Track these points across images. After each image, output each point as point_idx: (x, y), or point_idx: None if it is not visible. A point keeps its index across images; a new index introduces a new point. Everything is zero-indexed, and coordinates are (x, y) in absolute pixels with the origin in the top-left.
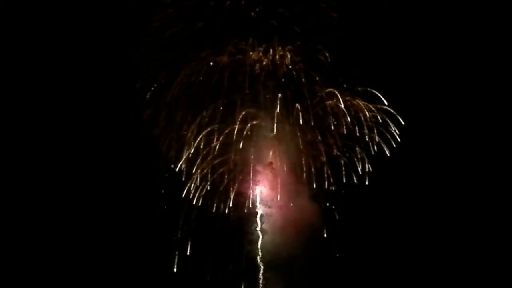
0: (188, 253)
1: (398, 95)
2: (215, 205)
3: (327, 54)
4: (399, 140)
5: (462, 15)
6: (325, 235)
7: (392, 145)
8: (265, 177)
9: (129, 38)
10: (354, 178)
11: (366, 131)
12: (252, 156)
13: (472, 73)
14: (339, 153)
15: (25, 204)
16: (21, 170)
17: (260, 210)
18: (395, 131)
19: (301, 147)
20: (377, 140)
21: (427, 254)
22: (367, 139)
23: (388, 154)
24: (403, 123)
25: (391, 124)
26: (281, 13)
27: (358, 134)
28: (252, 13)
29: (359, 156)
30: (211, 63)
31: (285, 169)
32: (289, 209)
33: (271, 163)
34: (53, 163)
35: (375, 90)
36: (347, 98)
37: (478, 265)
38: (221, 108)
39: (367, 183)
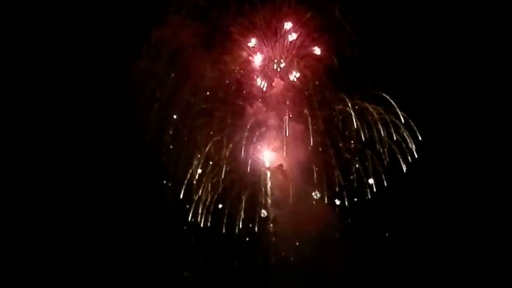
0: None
1: (416, 106)
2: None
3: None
4: (416, 156)
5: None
6: (337, 236)
7: (408, 160)
8: (275, 179)
9: (130, 51)
10: (368, 191)
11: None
12: (263, 160)
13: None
14: (352, 159)
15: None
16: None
17: (271, 213)
18: (411, 145)
19: (311, 150)
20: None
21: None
22: (381, 151)
23: (405, 170)
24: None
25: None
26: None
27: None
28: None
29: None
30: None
31: (295, 171)
32: (300, 211)
33: (281, 165)
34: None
35: (390, 98)
36: (357, 103)
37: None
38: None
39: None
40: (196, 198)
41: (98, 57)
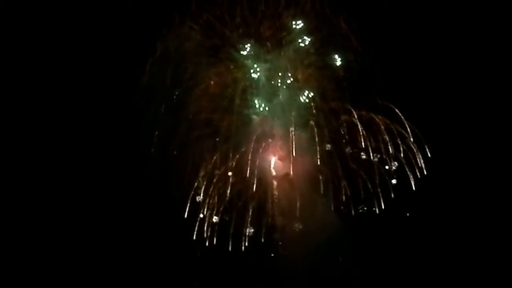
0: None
1: (424, 117)
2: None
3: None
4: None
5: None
6: (343, 247)
7: (416, 173)
8: (282, 188)
9: (135, 62)
10: (375, 202)
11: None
12: (270, 169)
13: None
14: (358, 169)
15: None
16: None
17: (278, 222)
18: (420, 161)
19: (318, 159)
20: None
21: None
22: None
23: (414, 188)
24: (429, 154)
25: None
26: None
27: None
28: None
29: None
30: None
31: (302, 180)
32: (307, 220)
33: (287, 174)
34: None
35: (398, 110)
36: (363, 114)
37: None
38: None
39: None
40: (201, 212)
41: (104, 68)
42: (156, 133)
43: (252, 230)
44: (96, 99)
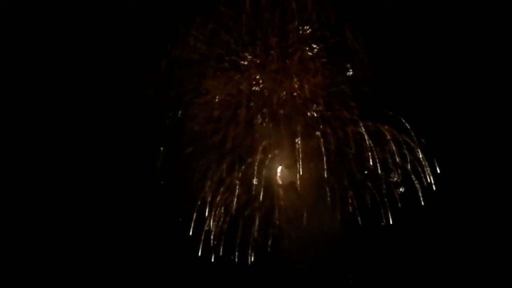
0: None
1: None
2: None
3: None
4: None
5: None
6: (350, 254)
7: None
8: (288, 197)
9: (142, 72)
10: (382, 212)
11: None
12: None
13: None
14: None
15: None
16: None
17: (284, 231)
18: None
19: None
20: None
21: None
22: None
23: (422, 203)
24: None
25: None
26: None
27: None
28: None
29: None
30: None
31: (309, 188)
32: (314, 229)
33: (294, 182)
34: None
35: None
36: (369, 124)
37: None
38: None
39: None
40: (207, 224)
41: (108, 78)
42: (162, 149)
43: (259, 239)
44: (99, 111)
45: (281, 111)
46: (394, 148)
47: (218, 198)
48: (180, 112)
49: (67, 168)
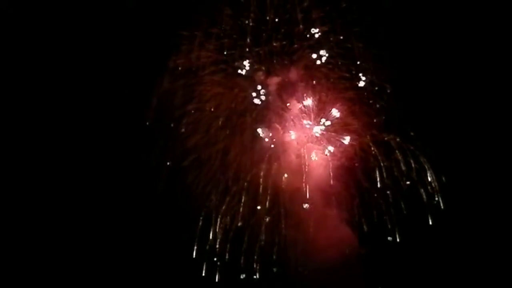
0: None
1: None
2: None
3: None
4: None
5: None
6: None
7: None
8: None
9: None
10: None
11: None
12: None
13: None
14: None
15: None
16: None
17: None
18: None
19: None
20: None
21: None
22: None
23: (430, 222)
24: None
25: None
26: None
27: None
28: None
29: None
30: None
31: (315, 195)
32: (320, 236)
33: (299, 188)
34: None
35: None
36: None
37: None
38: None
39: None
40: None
41: (113, 86)
42: (168, 163)
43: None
44: (105, 120)
45: (287, 118)
46: (399, 155)
47: (224, 207)
48: (183, 121)
49: (68, 185)
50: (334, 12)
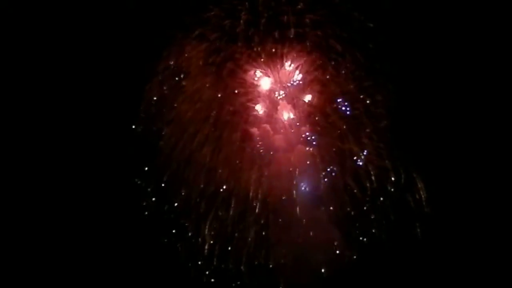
0: None
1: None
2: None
3: None
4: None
5: None
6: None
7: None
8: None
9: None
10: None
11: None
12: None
13: None
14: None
15: None
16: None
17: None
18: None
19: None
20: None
21: None
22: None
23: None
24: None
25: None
26: None
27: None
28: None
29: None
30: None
31: (305, 196)
32: (310, 238)
33: (290, 189)
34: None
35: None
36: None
37: None
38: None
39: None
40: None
41: (105, 85)
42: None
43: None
44: (93, 123)
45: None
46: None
47: (213, 212)
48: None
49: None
50: (329, 16)
